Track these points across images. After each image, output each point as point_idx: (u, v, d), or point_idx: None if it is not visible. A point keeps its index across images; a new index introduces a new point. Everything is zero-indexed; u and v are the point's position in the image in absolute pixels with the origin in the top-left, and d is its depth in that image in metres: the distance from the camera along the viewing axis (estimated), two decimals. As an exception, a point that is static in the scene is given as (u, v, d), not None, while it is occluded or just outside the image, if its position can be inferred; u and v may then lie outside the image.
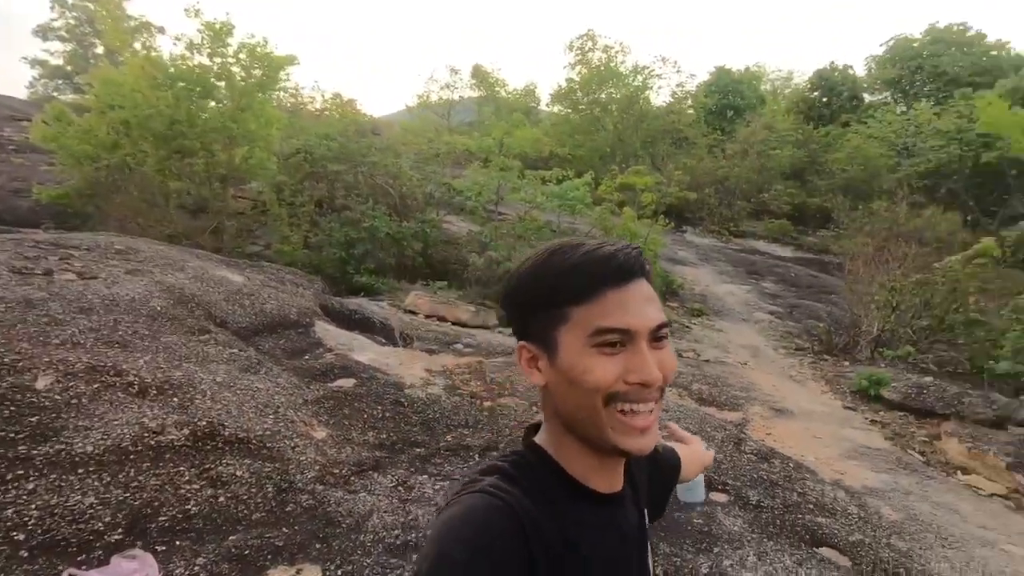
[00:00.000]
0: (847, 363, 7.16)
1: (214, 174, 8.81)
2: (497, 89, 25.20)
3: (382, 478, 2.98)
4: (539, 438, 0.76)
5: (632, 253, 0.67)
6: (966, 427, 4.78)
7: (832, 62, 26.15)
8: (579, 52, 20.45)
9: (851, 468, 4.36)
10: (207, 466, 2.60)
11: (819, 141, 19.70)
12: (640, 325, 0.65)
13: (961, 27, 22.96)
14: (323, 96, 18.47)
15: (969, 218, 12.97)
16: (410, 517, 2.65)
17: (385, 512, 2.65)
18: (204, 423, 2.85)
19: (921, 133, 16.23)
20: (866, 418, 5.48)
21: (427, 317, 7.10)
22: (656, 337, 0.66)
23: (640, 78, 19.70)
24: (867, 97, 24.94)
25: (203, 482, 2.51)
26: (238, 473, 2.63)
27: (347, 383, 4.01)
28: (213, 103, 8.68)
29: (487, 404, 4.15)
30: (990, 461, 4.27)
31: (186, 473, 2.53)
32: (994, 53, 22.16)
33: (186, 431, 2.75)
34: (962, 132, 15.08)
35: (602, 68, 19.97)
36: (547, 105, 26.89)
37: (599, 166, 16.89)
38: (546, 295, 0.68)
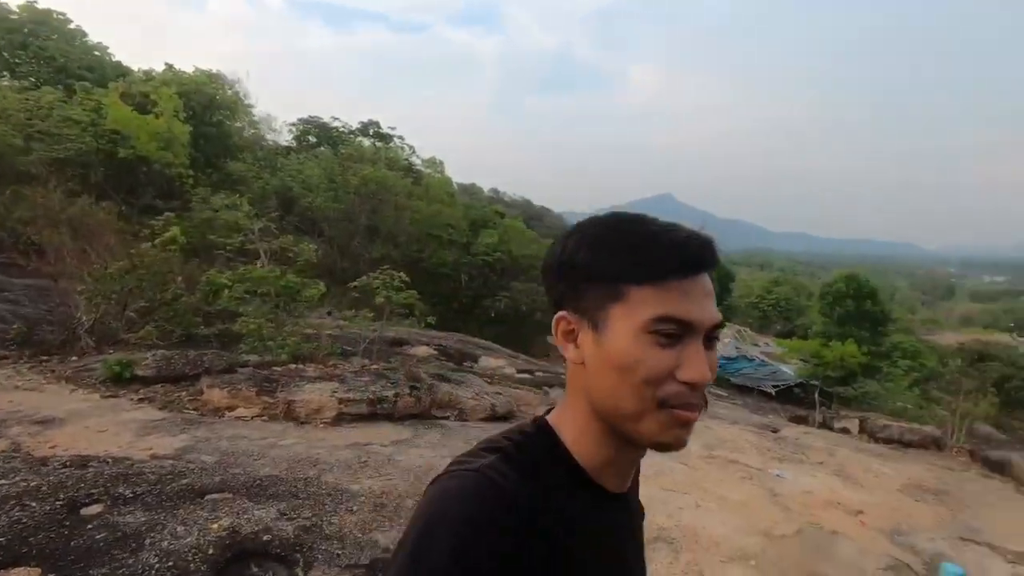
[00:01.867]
0: (75, 358, 6.86)
1: None
2: None
3: None
4: (554, 418, 0.70)
5: (706, 243, 0.64)
6: (217, 377, 6.01)
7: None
8: None
9: (156, 442, 4.68)
10: None
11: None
12: (703, 320, 0.62)
13: (62, 16, 23.09)
14: None
15: (122, 208, 14.08)
16: None
17: None
18: None
19: (51, 118, 15.71)
20: (132, 399, 5.73)
21: None
22: (710, 337, 0.64)
23: None
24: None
25: None
26: None
27: None
28: None
29: None
30: (244, 394, 5.69)
31: None
32: (97, 53, 23.75)
33: None
34: (96, 125, 15.85)
35: None
36: None
37: None
38: (605, 266, 0.63)
